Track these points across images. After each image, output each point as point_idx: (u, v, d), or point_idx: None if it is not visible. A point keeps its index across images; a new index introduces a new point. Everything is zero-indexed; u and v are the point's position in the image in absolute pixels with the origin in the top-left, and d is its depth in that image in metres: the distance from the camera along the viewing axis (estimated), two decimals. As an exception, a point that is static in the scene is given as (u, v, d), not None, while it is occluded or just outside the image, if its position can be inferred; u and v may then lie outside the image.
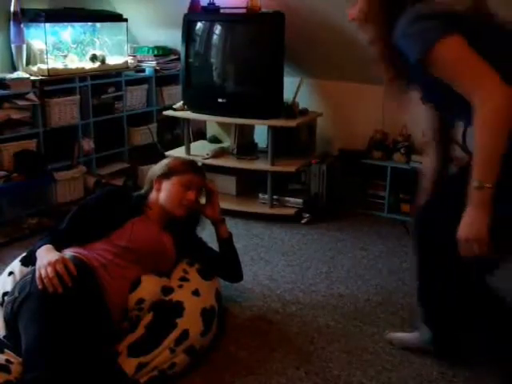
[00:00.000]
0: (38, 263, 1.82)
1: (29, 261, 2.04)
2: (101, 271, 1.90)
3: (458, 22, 1.50)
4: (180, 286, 2.07)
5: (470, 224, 1.48)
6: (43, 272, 1.76)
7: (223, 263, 2.32)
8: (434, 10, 1.52)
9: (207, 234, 2.39)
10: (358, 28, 1.76)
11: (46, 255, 1.84)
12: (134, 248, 2.01)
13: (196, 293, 2.06)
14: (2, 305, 1.93)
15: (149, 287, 2.00)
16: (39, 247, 1.91)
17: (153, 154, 3.74)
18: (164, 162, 2.30)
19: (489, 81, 1.44)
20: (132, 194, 2.27)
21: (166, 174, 2.20)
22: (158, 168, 2.26)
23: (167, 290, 2.04)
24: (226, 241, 2.32)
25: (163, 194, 2.16)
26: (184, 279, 2.11)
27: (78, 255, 1.90)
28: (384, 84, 1.73)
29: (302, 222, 3.30)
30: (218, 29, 3.37)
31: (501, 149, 1.43)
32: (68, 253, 1.90)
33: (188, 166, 2.24)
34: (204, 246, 2.33)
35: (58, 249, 1.91)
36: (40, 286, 1.74)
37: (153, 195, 2.20)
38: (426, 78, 1.57)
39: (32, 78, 3.16)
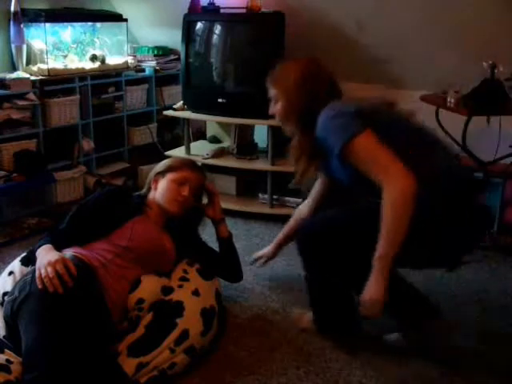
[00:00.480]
0: (38, 263, 1.82)
1: (29, 261, 2.04)
2: (101, 271, 1.90)
3: (369, 116, 1.81)
4: (180, 286, 2.07)
5: (373, 287, 1.74)
6: (43, 272, 1.76)
7: (223, 263, 2.32)
8: (349, 108, 1.84)
9: (207, 233, 2.40)
10: (280, 123, 2.13)
11: (45, 255, 1.84)
12: (134, 248, 2.01)
13: (196, 293, 2.06)
14: (1, 304, 1.93)
15: (149, 287, 2.00)
16: (39, 247, 1.92)
17: (153, 153, 3.74)
18: (164, 161, 2.32)
19: (394, 171, 1.70)
20: (132, 194, 2.28)
21: (162, 172, 2.22)
22: (156, 167, 2.28)
23: (167, 290, 2.04)
24: (226, 240, 2.32)
25: (159, 191, 2.18)
26: (184, 279, 2.11)
27: (78, 255, 1.90)
28: (299, 171, 2.07)
29: (302, 221, 3.30)
30: (217, 29, 3.37)
31: (404, 228, 1.68)
32: (68, 253, 1.90)
33: (184, 164, 2.25)
34: (204, 245, 2.33)
35: (58, 249, 1.91)
36: (40, 286, 1.74)
37: (151, 194, 2.21)
38: (343, 165, 1.83)
39: (32, 77, 3.16)
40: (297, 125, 2.03)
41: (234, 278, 2.39)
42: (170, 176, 2.19)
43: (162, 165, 2.27)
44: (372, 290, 1.74)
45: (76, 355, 1.66)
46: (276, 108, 2.07)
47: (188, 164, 2.27)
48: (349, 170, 1.83)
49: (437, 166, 1.83)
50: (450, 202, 1.78)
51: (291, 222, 2.44)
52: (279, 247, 2.55)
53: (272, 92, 2.08)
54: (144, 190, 2.27)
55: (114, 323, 1.90)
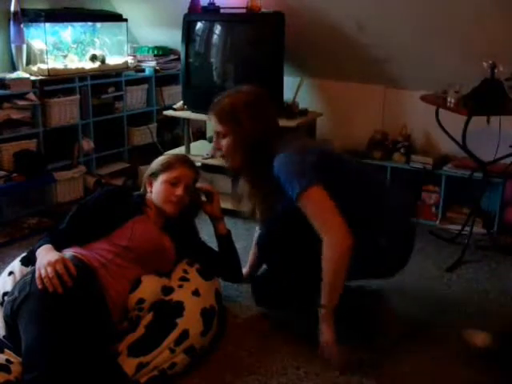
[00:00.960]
0: (38, 263, 1.82)
1: (29, 261, 2.04)
2: (101, 271, 1.90)
3: (326, 168, 1.94)
4: (180, 286, 2.07)
5: (324, 334, 1.93)
6: (43, 272, 1.76)
7: (223, 261, 2.32)
8: (312, 157, 1.93)
9: (207, 234, 2.39)
10: (224, 159, 2.14)
11: (45, 255, 1.84)
12: (134, 248, 2.01)
13: (196, 293, 2.06)
14: (1, 304, 1.93)
15: (149, 287, 2.00)
16: (39, 247, 1.92)
17: (153, 153, 3.72)
18: (156, 160, 2.28)
19: (334, 230, 1.85)
20: (132, 194, 2.28)
21: (155, 173, 2.20)
22: (149, 168, 2.26)
23: (167, 290, 2.04)
24: (225, 237, 2.32)
25: (154, 193, 2.17)
26: (184, 279, 2.11)
27: (78, 255, 1.90)
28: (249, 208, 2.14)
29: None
30: (217, 29, 3.37)
31: (341, 281, 1.87)
32: (68, 253, 1.90)
33: (175, 162, 2.20)
34: (204, 245, 2.33)
35: (58, 249, 1.91)
36: (40, 286, 1.74)
37: (148, 195, 2.20)
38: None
39: (32, 77, 3.16)
40: (245, 161, 2.04)
41: (235, 277, 2.38)
42: (162, 177, 2.16)
43: (153, 165, 2.24)
44: (324, 336, 1.93)
45: (76, 355, 1.66)
46: (223, 143, 2.06)
47: (179, 161, 2.22)
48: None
49: (381, 216, 2.00)
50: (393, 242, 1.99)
51: (255, 249, 2.47)
52: (251, 270, 2.54)
53: (218, 127, 2.05)
54: (142, 190, 2.27)
55: (114, 323, 1.90)
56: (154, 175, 2.20)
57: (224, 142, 2.05)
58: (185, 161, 2.26)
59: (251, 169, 2.07)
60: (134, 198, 2.22)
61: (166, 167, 2.19)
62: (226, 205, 3.08)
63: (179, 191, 2.14)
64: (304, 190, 1.86)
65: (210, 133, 3.90)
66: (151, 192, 2.19)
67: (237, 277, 2.39)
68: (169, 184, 2.15)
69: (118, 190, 2.51)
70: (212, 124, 2.09)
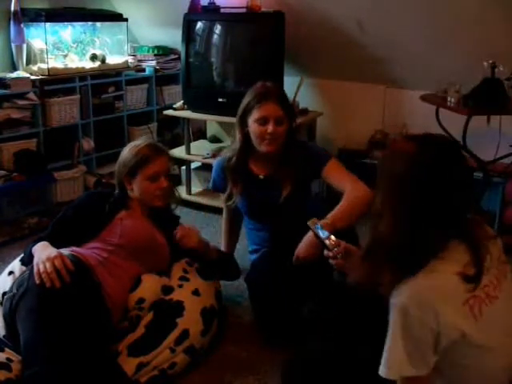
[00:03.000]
0: (37, 258, 1.83)
1: (27, 261, 2.04)
2: (98, 269, 1.90)
3: None
4: (180, 286, 2.07)
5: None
6: (41, 267, 1.76)
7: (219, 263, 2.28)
8: None
9: (206, 234, 2.39)
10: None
11: (43, 251, 1.85)
12: (126, 243, 2.01)
13: (196, 292, 2.06)
14: (1, 304, 1.93)
15: (149, 287, 2.01)
16: (30, 250, 1.92)
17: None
18: (125, 154, 2.17)
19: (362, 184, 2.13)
20: (113, 192, 2.21)
21: (131, 173, 2.12)
22: (122, 165, 2.16)
23: (167, 290, 2.04)
24: (219, 258, 2.27)
25: (136, 191, 2.13)
26: (184, 279, 2.11)
27: (75, 253, 1.90)
28: None
29: (302, 221, 3.30)
30: (218, 28, 3.37)
31: (354, 216, 2.03)
32: (65, 251, 1.90)
33: (149, 155, 2.11)
34: None
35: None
36: (38, 281, 1.74)
37: (129, 192, 2.15)
38: None
39: (32, 77, 3.15)
40: None
41: (231, 276, 2.37)
42: (141, 174, 2.09)
43: (126, 162, 2.13)
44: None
45: (75, 351, 1.66)
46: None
47: (152, 152, 2.12)
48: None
49: None
50: None
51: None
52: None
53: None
54: (118, 186, 2.19)
55: (114, 322, 1.90)
56: (131, 175, 2.11)
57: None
58: (158, 150, 2.16)
59: None
60: (116, 195, 2.18)
61: (143, 162, 2.10)
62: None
63: (163, 183, 2.11)
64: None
65: (210, 132, 3.90)
66: (131, 190, 2.13)
67: (234, 275, 2.37)
68: (150, 180, 2.10)
69: (99, 191, 2.48)
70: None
